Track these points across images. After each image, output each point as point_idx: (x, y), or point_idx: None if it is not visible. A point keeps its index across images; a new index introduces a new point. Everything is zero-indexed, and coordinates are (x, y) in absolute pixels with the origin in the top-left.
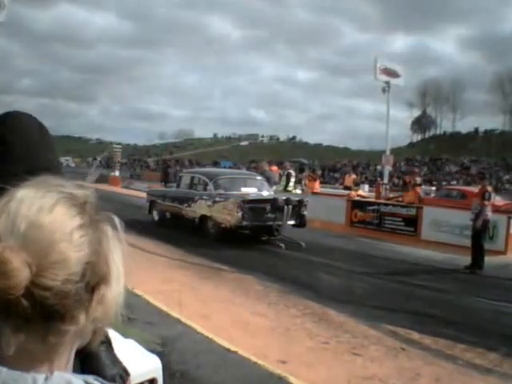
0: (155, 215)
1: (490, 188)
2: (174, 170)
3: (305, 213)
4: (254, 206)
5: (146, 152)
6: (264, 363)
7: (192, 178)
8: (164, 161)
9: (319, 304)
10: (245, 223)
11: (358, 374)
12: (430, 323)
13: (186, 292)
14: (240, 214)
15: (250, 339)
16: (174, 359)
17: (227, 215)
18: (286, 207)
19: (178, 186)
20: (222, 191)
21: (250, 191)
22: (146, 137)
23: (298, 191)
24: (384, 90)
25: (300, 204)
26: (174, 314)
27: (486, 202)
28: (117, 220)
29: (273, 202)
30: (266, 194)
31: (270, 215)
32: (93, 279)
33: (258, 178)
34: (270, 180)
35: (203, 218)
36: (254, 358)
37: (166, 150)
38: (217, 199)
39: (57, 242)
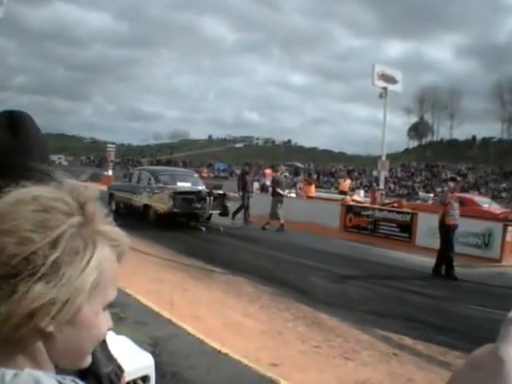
0: (113, 205)
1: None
2: (251, 178)
3: (228, 204)
4: (183, 197)
5: (140, 152)
6: (255, 366)
7: (140, 174)
8: (243, 168)
9: (312, 308)
10: (175, 210)
11: (349, 379)
12: (423, 329)
13: (178, 292)
14: (171, 202)
15: (242, 341)
16: (165, 360)
17: (162, 204)
18: (208, 198)
19: (130, 180)
20: (161, 185)
21: (185, 185)
22: (141, 137)
23: (293, 195)
24: (381, 96)
25: (223, 196)
26: (166, 314)
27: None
28: (120, 239)
29: (198, 193)
30: (200, 188)
31: (196, 204)
32: (23, 274)
33: (195, 175)
34: (280, 184)
35: (145, 206)
36: (245, 361)
37: (161, 151)
38: (156, 191)
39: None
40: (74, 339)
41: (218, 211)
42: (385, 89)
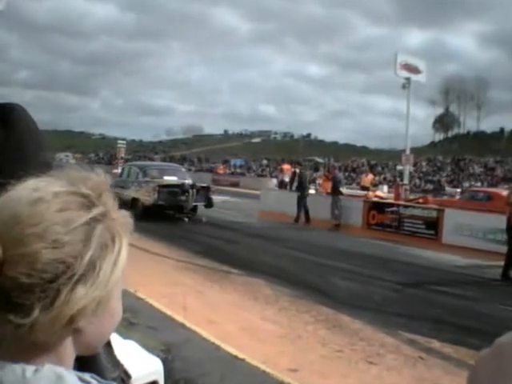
0: None
1: None
2: (304, 175)
3: (211, 196)
4: (167, 190)
5: (152, 148)
6: (273, 372)
7: (130, 169)
8: (297, 163)
9: (333, 310)
10: (160, 202)
11: None
12: (451, 331)
13: (192, 295)
14: (156, 195)
15: (259, 346)
16: (178, 366)
17: (147, 196)
18: (190, 190)
19: (121, 175)
20: (148, 179)
21: (171, 179)
22: (152, 132)
23: (312, 191)
24: (404, 87)
25: (207, 189)
26: (179, 318)
27: None
28: (130, 221)
29: (181, 186)
30: (187, 181)
31: (180, 197)
32: (63, 278)
33: (182, 169)
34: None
35: (133, 199)
36: (262, 366)
37: (174, 147)
38: (143, 185)
39: (27, 236)
40: (100, 329)
41: (203, 203)
42: (408, 79)
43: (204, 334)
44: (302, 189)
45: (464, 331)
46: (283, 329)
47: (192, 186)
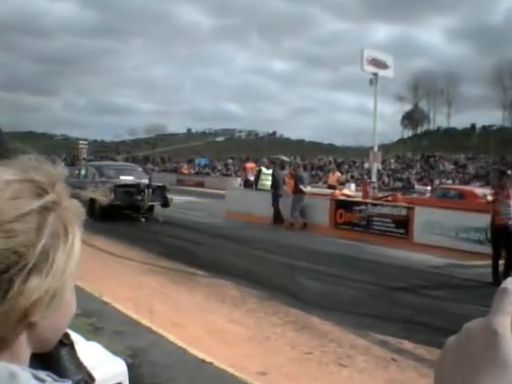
0: None
1: None
2: (278, 173)
3: (168, 195)
4: (123, 190)
5: (114, 149)
6: (242, 375)
7: (87, 170)
8: (272, 162)
9: (302, 311)
10: (117, 202)
11: None
12: (424, 332)
13: (158, 298)
14: (113, 195)
15: (227, 349)
16: (145, 371)
17: (104, 197)
18: (146, 190)
19: (78, 176)
20: (104, 179)
21: (127, 179)
22: (115, 132)
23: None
24: (371, 82)
25: (163, 188)
26: (145, 322)
27: None
28: (82, 210)
29: (137, 186)
30: (143, 181)
31: (136, 197)
32: (15, 268)
33: (138, 168)
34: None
35: (91, 200)
36: (231, 370)
37: (137, 147)
38: (99, 185)
39: None
40: (54, 323)
41: (159, 203)
42: (375, 75)
43: (171, 337)
44: (275, 188)
45: (437, 332)
46: (251, 331)
47: (148, 186)
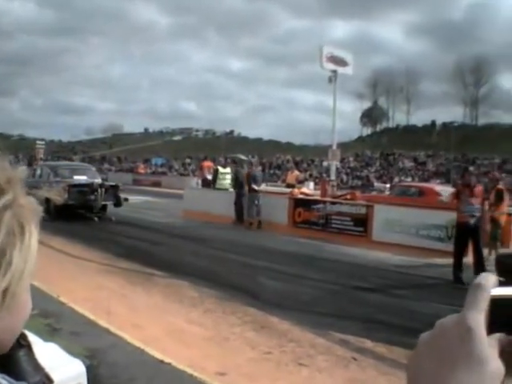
0: None
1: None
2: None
3: (121, 195)
4: (77, 189)
5: (71, 149)
6: (201, 376)
7: (42, 170)
8: (233, 161)
9: (260, 311)
10: (70, 202)
11: None
12: (385, 331)
13: (116, 299)
14: (66, 195)
15: (186, 350)
16: (104, 372)
17: (58, 196)
18: (99, 190)
19: (34, 176)
20: (58, 178)
21: (81, 178)
22: (72, 132)
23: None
24: (330, 80)
25: (115, 188)
26: (103, 323)
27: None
28: (39, 208)
29: (90, 185)
30: (96, 181)
31: (90, 196)
32: None
33: (92, 168)
34: (256, 179)
35: (46, 200)
36: (189, 370)
37: (94, 147)
38: (54, 185)
39: None
40: (10, 324)
41: (112, 202)
42: (334, 72)
43: (129, 338)
44: (238, 187)
45: (397, 330)
46: (209, 331)
47: (101, 185)
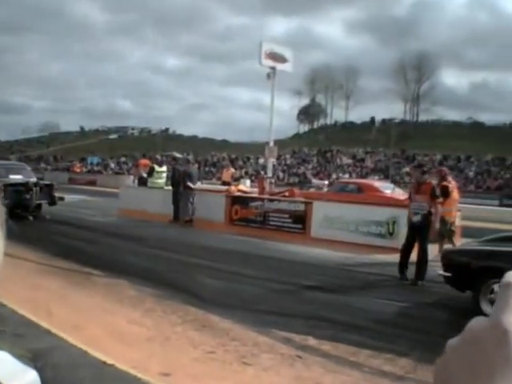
0: None
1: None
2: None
3: (56, 194)
4: (13, 189)
5: (8, 148)
6: (146, 377)
7: None
8: (173, 158)
9: (201, 310)
10: (6, 201)
11: None
12: (327, 327)
13: (56, 300)
14: (2, 194)
15: (128, 350)
16: (47, 375)
17: None
18: (34, 189)
19: None
20: None
21: (16, 178)
22: (9, 131)
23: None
24: (269, 77)
25: (50, 187)
26: (44, 324)
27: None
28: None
29: (25, 185)
30: (31, 180)
31: (25, 195)
32: None
33: (27, 167)
34: (192, 177)
35: None
36: (133, 371)
37: (31, 146)
38: None
39: None
40: None
41: (47, 201)
42: (273, 68)
43: (71, 339)
44: (174, 185)
45: (340, 327)
46: (151, 331)
47: (35, 184)
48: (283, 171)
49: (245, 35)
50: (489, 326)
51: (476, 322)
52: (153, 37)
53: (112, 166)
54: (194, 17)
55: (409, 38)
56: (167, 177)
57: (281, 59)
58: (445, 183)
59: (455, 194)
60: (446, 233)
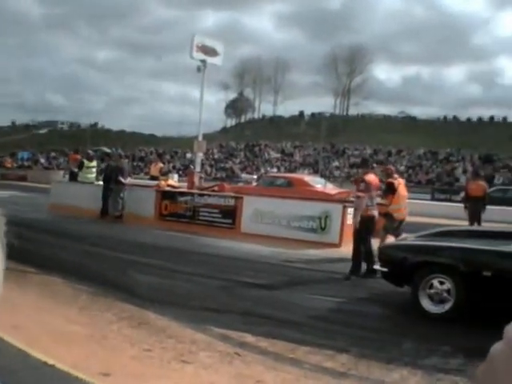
0: None
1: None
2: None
3: None
4: None
5: None
6: (87, 377)
7: None
8: (106, 154)
9: (136, 307)
10: None
11: None
12: (265, 324)
13: None
14: None
15: (67, 349)
16: None
17: None
18: None
19: None
20: None
21: None
22: None
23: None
24: (199, 70)
25: None
26: None
27: (361, 194)
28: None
29: None
30: None
31: None
32: None
33: None
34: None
35: None
36: (74, 372)
37: None
38: None
39: None
40: None
41: None
42: (204, 62)
43: (10, 340)
44: (105, 181)
45: (277, 323)
46: (87, 329)
47: None
48: (211, 166)
49: (175, 29)
50: None
51: None
52: (85, 30)
53: (42, 161)
54: (125, 10)
55: (341, 31)
56: (97, 172)
57: (212, 52)
58: (390, 180)
59: (402, 191)
60: (392, 230)
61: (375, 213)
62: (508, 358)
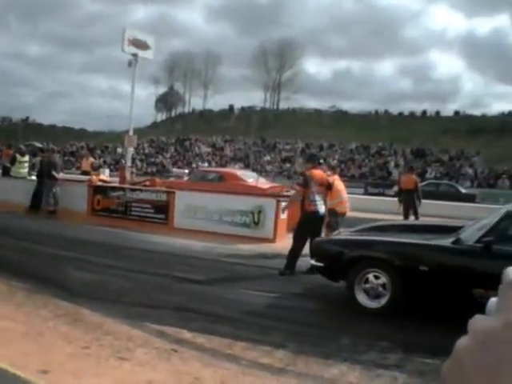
0: None
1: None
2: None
3: None
4: None
5: None
6: (25, 374)
7: None
8: (40, 150)
9: (71, 303)
10: None
11: (129, 382)
12: (199, 320)
13: None
14: None
15: (2, 347)
16: None
17: None
18: None
19: None
20: None
21: None
22: None
23: (33, 177)
24: (130, 64)
25: None
26: None
27: (297, 187)
28: None
29: None
30: None
31: None
32: None
33: None
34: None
35: None
36: (11, 369)
37: None
38: None
39: None
40: None
41: None
42: (135, 55)
43: None
44: (39, 176)
45: (212, 319)
46: (23, 327)
47: None
48: (141, 160)
49: (106, 23)
50: (500, 326)
51: (485, 323)
52: (16, 24)
53: None
54: (56, 4)
55: (271, 25)
56: (30, 166)
57: (143, 46)
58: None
59: (337, 185)
60: (336, 225)
61: (319, 208)
62: (474, 352)
